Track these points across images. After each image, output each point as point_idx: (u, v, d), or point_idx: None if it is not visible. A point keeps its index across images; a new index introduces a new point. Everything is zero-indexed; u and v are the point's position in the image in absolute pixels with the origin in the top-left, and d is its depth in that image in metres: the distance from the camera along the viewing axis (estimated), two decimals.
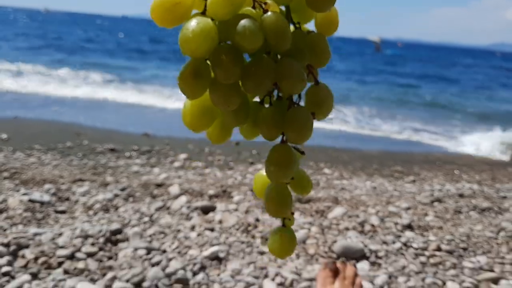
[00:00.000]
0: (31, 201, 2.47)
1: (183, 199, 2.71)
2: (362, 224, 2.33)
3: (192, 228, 2.29)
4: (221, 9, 0.37)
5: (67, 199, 2.74)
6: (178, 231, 2.25)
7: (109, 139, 5.00)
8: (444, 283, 1.77)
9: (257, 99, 0.44)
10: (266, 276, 1.82)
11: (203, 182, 3.43)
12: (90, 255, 1.89)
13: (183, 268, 1.79)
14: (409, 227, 2.32)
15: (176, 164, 4.15)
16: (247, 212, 2.56)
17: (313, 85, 0.42)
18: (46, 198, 2.59)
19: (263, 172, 0.46)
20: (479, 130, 8.26)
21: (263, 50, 0.38)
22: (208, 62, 0.38)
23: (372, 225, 2.32)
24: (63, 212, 2.52)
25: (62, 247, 1.91)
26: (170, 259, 1.89)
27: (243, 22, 0.36)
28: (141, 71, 13.08)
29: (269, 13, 0.37)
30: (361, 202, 2.82)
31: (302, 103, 0.41)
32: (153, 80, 11.23)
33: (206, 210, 2.57)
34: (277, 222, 2.38)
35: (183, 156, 4.42)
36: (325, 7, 0.40)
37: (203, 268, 1.85)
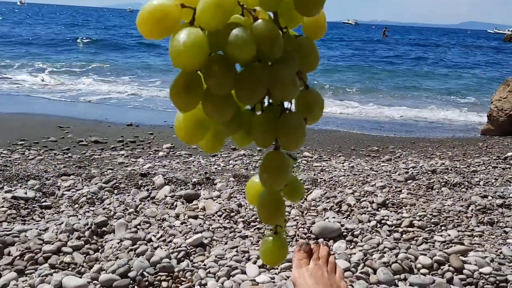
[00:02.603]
0: (14, 198, 2.51)
1: (167, 188, 2.77)
2: (339, 204, 2.43)
3: (177, 216, 2.36)
4: (212, 19, 0.36)
5: (52, 194, 2.78)
6: (163, 220, 2.32)
7: (93, 131, 5.01)
8: (416, 258, 1.87)
9: (248, 106, 0.43)
10: (248, 259, 1.91)
11: (187, 170, 3.49)
12: (76, 248, 1.95)
13: (168, 257, 1.86)
14: (383, 205, 2.43)
15: (161, 153, 4.20)
16: (229, 198, 2.64)
17: (303, 90, 0.42)
18: (30, 194, 2.63)
19: (256, 179, 0.45)
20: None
21: (255, 58, 0.37)
22: (200, 73, 0.37)
23: (349, 205, 2.41)
24: (48, 207, 2.57)
25: (48, 242, 1.96)
26: (155, 248, 1.96)
27: (235, 32, 0.35)
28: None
29: (259, 20, 0.37)
30: (339, 183, 2.91)
31: (293, 108, 0.41)
32: None
33: (189, 199, 2.63)
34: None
35: (167, 145, 4.46)
36: (314, 11, 0.40)
37: (187, 255, 1.92)
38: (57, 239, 2.01)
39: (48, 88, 8.46)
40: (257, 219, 2.29)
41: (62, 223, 2.17)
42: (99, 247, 2.02)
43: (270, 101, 0.41)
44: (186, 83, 0.36)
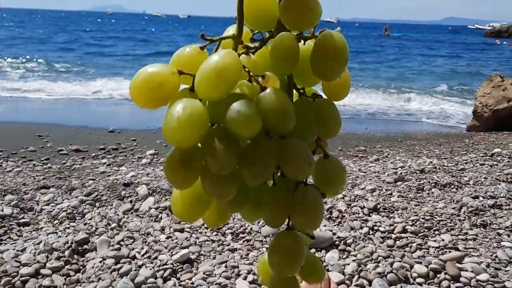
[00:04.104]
0: None
1: (151, 200, 2.67)
2: (330, 211, 2.36)
3: (162, 230, 2.26)
4: (212, 92, 0.31)
5: (31, 209, 2.65)
6: (148, 234, 2.22)
7: (74, 139, 4.87)
8: (411, 267, 1.82)
9: None
10: (238, 275, 1.83)
11: None
12: (55, 270, 1.84)
13: (153, 276, 1.77)
14: (375, 210, 2.37)
15: (144, 161, 4.08)
16: None
17: (322, 160, 0.36)
18: (7, 210, 2.50)
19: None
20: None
21: (262, 131, 0.32)
22: (199, 144, 0.32)
23: (340, 211, 2.35)
24: (26, 224, 2.44)
25: (25, 264, 1.85)
26: (139, 266, 1.87)
27: (237, 106, 0.30)
28: None
29: (267, 90, 0.32)
30: None
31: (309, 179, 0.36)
32: None
33: None
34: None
35: (150, 152, 4.35)
36: (334, 76, 0.35)
37: (174, 273, 1.83)
38: (35, 261, 1.90)
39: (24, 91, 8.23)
40: (246, 230, 2.22)
41: (41, 242, 2.06)
42: (80, 267, 1.92)
43: None
44: (183, 158, 0.31)
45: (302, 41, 0.37)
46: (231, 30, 0.38)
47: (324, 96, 0.39)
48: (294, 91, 0.38)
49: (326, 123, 0.36)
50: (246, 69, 0.33)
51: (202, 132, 0.31)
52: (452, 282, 1.72)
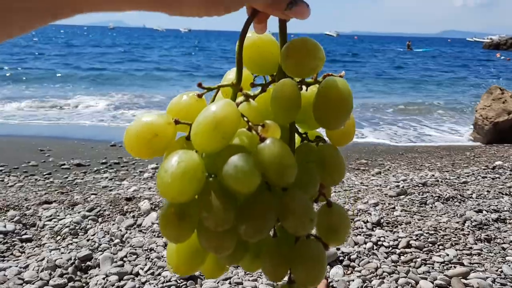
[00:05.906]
0: None
1: (153, 215, 2.67)
2: None
3: (165, 245, 2.26)
4: (208, 145, 0.30)
5: (33, 225, 2.65)
6: (151, 250, 2.22)
7: (75, 153, 4.87)
8: (417, 283, 1.80)
9: None
10: None
11: None
12: None
13: None
14: (378, 224, 2.37)
15: (146, 175, 4.08)
16: None
17: (325, 209, 0.35)
18: (10, 227, 2.50)
19: None
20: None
21: (262, 182, 0.31)
22: (196, 196, 0.31)
23: None
24: (29, 240, 2.43)
25: (28, 282, 1.85)
26: (143, 283, 1.86)
27: (234, 160, 0.29)
28: None
29: (267, 141, 0.30)
30: None
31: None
32: None
33: None
34: None
35: (152, 166, 4.35)
36: (338, 126, 0.34)
37: None
38: (38, 278, 1.89)
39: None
40: None
41: (44, 258, 2.05)
42: (84, 284, 1.91)
43: None
44: (178, 210, 0.30)
45: (304, 87, 0.36)
46: (231, 74, 0.36)
47: (328, 140, 0.37)
48: (296, 135, 0.37)
49: (329, 171, 0.35)
50: (245, 119, 0.32)
51: (197, 188, 0.30)
52: None
